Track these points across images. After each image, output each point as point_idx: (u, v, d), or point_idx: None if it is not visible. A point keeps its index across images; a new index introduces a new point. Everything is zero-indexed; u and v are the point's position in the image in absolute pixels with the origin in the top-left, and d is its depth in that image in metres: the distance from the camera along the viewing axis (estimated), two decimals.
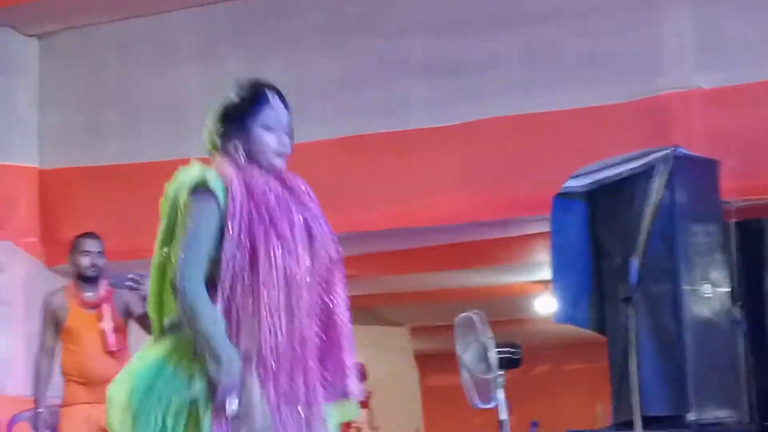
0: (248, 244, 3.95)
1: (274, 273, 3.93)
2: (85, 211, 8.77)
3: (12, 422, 8.02)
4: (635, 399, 6.85)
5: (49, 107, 9.43)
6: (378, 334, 11.73)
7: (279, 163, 4.16)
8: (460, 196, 8.26)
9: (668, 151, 7.13)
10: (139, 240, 8.26)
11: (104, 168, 9.07)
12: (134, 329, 7.39)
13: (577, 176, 7.42)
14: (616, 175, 7.28)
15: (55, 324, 7.27)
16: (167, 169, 8.80)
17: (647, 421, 6.86)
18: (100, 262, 7.31)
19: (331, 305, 4.16)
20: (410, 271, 10.28)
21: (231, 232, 3.92)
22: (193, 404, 3.95)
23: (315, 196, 4.22)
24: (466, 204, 8.28)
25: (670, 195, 7.05)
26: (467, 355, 7.35)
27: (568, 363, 11.50)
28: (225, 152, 4.11)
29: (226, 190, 3.99)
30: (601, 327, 7.44)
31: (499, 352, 7.37)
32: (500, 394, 7.27)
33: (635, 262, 6.98)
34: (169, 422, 3.96)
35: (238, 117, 4.13)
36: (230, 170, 4.05)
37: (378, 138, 8.39)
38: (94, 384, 7.15)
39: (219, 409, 3.89)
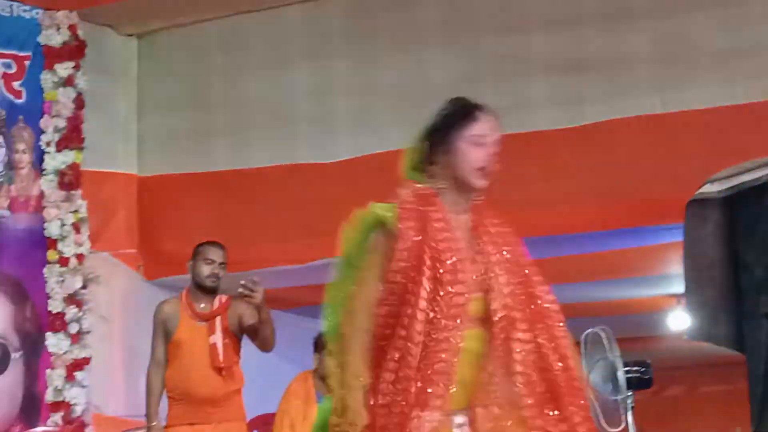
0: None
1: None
2: (188, 221, 8.71)
3: None
4: None
5: (150, 111, 9.35)
6: None
7: (480, 183, 4.16)
8: (585, 202, 8.16)
9: None
10: (247, 251, 8.36)
11: (208, 175, 8.98)
12: None
13: (713, 181, 7.14)
14: (757, 179, 6.95)
15: (165, 335, 7.21)
16: (276, 175, 8.80)
17: None
18: (222, 273, 7.26)
19: None
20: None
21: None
22: None
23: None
24: (591, 212, 8.19)
25: None
26: (593, 375, 7.28)
27: (703, 384, 11.36)
28: (425, 174, 4.16)
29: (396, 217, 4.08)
30: (740, 345, 7.09)
31: (628, 372, 7.28)
32: (629, 417, 7.18)
33: None
34: None
35: (443, 131, 4.15)
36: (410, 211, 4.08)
37: (501, 140, 8.15)
38: (198, 403, 7.21)
39: None
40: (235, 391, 7.28)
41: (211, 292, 7.25)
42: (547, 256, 9.16)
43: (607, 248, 8.94)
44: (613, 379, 7.37)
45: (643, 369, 7.45)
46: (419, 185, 4.19)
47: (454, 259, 4.04)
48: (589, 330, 7.45)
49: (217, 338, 7.15)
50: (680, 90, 7.98)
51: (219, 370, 7.12)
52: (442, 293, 4.01)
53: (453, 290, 4.03)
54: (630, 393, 7.25)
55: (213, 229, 8.20)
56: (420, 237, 4.06)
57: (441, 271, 4.00)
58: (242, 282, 6.99)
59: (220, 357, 7.12)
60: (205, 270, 7.20)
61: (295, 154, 8.70)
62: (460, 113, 4.22)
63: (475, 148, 4.17)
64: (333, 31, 8.82)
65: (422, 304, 4.01)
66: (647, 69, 8.09)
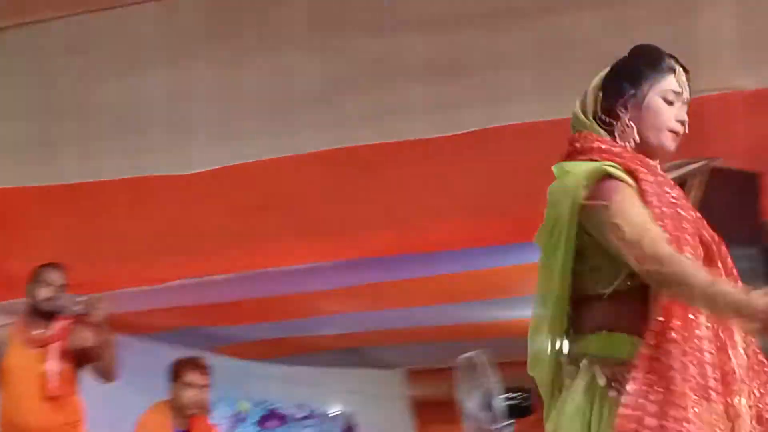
0: None
1: None
2: (33, 239, 8.60)
3: None
4: None
5: None
6: (368, 378, 11.66)
7: (672, 145, 4.00)
8: (465, 217, 8.25)
9: (704, 162, 6.53)
10: (97, 271, 8.22)
11: (55, 188, 8.72)
12: None
13: None
14: None
15: None
16: (128, 188, 8.65)
17: None
18: (61, 296, 7.17)
19: None
20: (406, 305, 10.27)
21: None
22: None
23: None
24: (471, 227, 8.38)
25: (705, 213, 6.88)
26: (470, 402, 7.32)
27: None
28: (605, 126, 3.95)
29: (635, 178, 3.83)
30: None
31: (507, 399, 7.28)
32: None
33: None
34: None
35: (631, 80, 3.96)
36: (628, 157, 3.89)
37: (373, 150, 8.15)
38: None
39: None
40: (72, 424, 7.26)
41: (48, 316, 7.16)
42: (424, 275, 9.30)
43: (489, 266, 9.00)
44: (491, 406, 7.46)
45: (524, 396, 7.53)
46: (611, 141, 3.95)
47: (688, 235, 3.85)
48: (465, 354, 7.50)
49: (51, 365, 7.05)
50: (564, 96, 7.81)
51: (51, 400, 7.06)
52: None
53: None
54: (510, 421, 7.34)
55: (60, 247, 8.13)
56: (661, 202, 3.85)
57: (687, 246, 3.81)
58: (80, 299, 6.91)
59: (53, 385, 7.06)
60: (42, 293, 7.18)
61: (149, 166, 8.48)
62: (653, 62, 4.02)
63: (670, 105, 3.98)
64: (191, 32, 8.58)
65: None
66: (530, 73, 7.91)
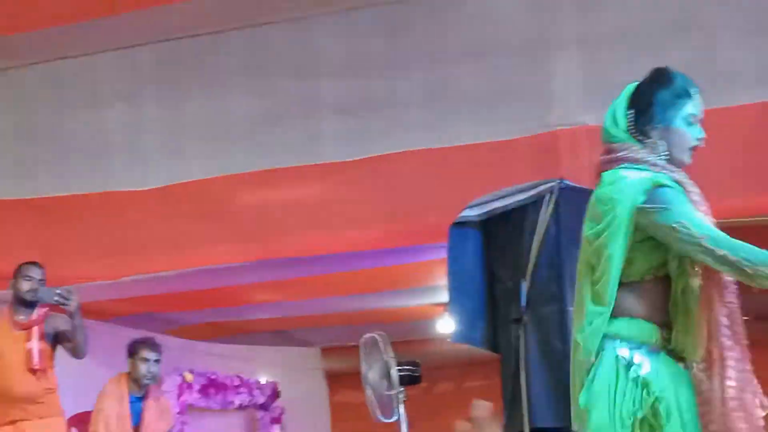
0: None
1: None
2: (14, 243, 8.53)
3: None
4: (525, 412, 6.85)
5: None
6: (291, 355, 11.73)
7: (690, 160, 3.94)
8: (369, 225, 8.20)
9: (555, 183, 7.05)
10: (67, 268, 8.18)
11: (32, 200, 8.77)
12: None
13: (471, 206, 7.35)
14: (507, 205, 7.22)
15: None
16: (93, 201, 8.67)
17: None
18: (40, 288, 7.24)
19: None
20: (323, 295, 10.22)
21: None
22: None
23: None
24: (374, 232, 8.26)
25: (556, 224, 6.98)
26: (371, 373, 7.17)
27: (467, 380, 11.47)
28: (640, 141, 3.88)
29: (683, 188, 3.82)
30: (494, 346, 7.38)
31: (401, 370, 7.32)
32: (401, 409, 7.29)
33: (524, 286, 6.98)
34: None
35: (658, 106, 3.89)
36: (672, 170, 3.85)
37: (295, 171, 8.20)
38: (17, 401, 7.19)
39: None
40: (49, 390, 7.28)
41: (30, 305, 7.28)
42: (337, 271, 9.43)
43: (385, 264, 9.06)
44: (388, 376, 7.50)
45: (414, 368, 7.55)
46: (652, 153, 3.90)
47: None
48: (367, 335, 7.59)
49: (33, 344, 7.17)
50: (448, 128, 7.96)
51: (34, 372, 7.17)
52: None
53: None
54: (402, 389, 7.38)
55: (35, 250, 8.06)
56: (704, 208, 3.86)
57: None
58: (57, 291, 7.01)
59: (35, 360, 7.16)
60: (25, 286, 7.26)
61: (111, 183, 8.55)
62: (677, 90, 3.95)
63: (690, 127, 3.93)
64: (144, 76, 8.65)
65: None
66: (420, 109, 8.06)
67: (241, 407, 11.00)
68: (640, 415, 3.78)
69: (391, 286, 10.11)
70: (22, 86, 8.94)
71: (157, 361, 8.15)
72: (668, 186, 3.74)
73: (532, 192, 7.16)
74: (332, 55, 8.32)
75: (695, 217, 3.70)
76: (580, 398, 3.94)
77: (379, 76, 8.18)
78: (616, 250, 3.75)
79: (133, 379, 8.04)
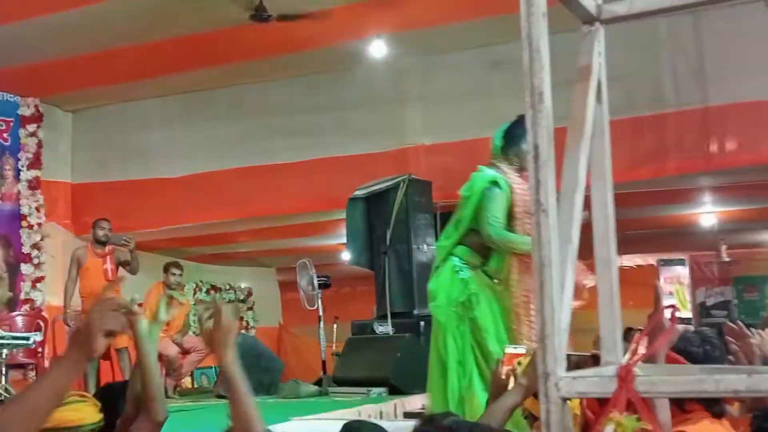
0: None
1: None
2: (97, 207, 8.44)
3: (54, 320, 7.93)
4: (387, 303, 7.15)
5: (79, 149, 9.08)
6: (258, 272, 11.67)
7: None
8: (308, 197, 8.11)
9: (407, 176, 7.43)
10: (131, 222, 8.25)
11: (109, 183, 8.86)
12: None
13: (360, 189, 7.61)
14: (380, 188, 7.54)
15: (78, 264, 7.19)
16: (143, 184, 8.40)
17: (393, 315, 7.10)
18: (109, 233, 7.27)
19: None
20: (278, 237, 10.03)
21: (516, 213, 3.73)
22: None
23: None
24: (310, 201, 8.16)
25: (406, 198, 7.32)
26: (303, 282, 7.57)
27: (358, 286, 11.36)
28: (506, 159, 3.83)
29: (510, 187, 3.76)
30: (372, 267, 7.61)
31: (319, 280, 7.59)
32: (319, 302, 7.50)
33: (389, 233, 7.26)
34: None
35: (521, 138, 3.76)
36: (511, 175, 3.80)
37: (260, 168, 8.22)
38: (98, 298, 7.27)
39: None
40: (117, 291, 7.21)
41: (103, 243, 7.30)
42: (285, 224, 9.04)
43: (315, 220, 8.84)
44: (312, 283, 7.73)
45: (327, 278, 7.76)
46: (507, 165, 3.84)
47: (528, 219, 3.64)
48: (301, 260, 7.66)
49: (108, 266, 7.26)
50: (348, 148, 7.92)
51: (109, 281, 7.03)
52: None
53: None
54: (319, 291, 7.47)
55: (109, 212, 7.76)
56: (518, 193, 3.76)
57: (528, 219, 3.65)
58: (123, 238, 7.15)
59: (109, 274, 7.22)
60: (100, 232, 7.28)
61: (152, 173, 8.61)
62: (524, 130, 3.92)
63: None
64: (175, 116, 8.55)
65: None
66: (331, 136, 7.99)
67: (230, 301, 10.31)
68: (461, 300, 3.76)
69: (315, 233, 9.70)
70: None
71: (180, 275, 8.01)
72: (497, 184, 3.75)
73: (394, 181, 7.44)
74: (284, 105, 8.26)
75: (494, 208, 3.72)
76: (430, 284, 3.91)
77: (302, 119, 8.15)
78: (468, 211, 3.80)
79: (166, 284, 7.93)
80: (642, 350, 1.36)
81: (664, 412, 1.76)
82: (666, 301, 1.66)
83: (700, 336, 2.16)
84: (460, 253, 3.84)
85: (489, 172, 3.81)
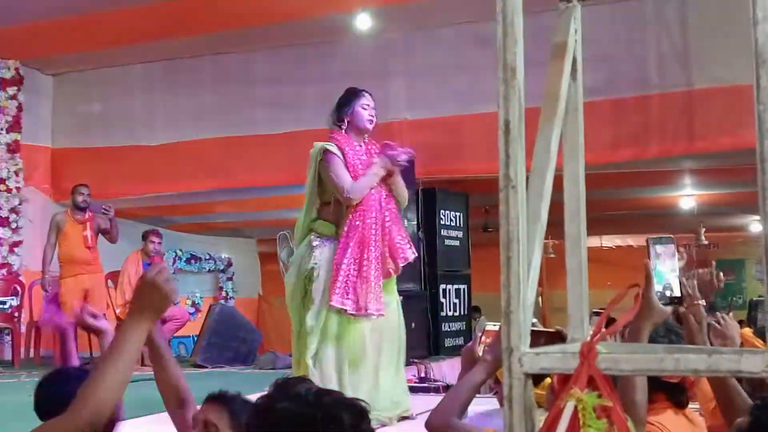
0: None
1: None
2: (76, 172, 8.35)
3: (31, 285, 7.95)
4: None
5: (60, 112, 9.01)
6: (238, 242, 11.63)
7: (370, 128, 4.11)
8: (290, 169, 7.83)
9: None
10: (110, 188, 8.22)
11: (90, 149, 8.78)
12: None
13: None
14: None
15: (57, 230, 7.18)
16: (124, 151, 8.41)
17: None
18: (88, 199, 7.24)
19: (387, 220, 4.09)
20: (254, 209, 10.04)
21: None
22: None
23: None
24: (291, 173, 7.74)
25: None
26: (283, 253, 7.43)
27: None
28: (338, 124, 4.07)
29: (342, 151, 3.97)
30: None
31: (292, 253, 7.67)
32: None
33: None
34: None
35: (348, 103, 4.09)
36: (342, 140, 4.01)
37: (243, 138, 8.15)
38: (77, 263, 7.21)
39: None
40: (95, 258, 7.32)
41: (82, 210, 7.28)
42: (265, 196, 9.03)
43: (291, 193, 8.16)
44: (291, 254, 7.69)
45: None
46: (338, 131, 4.06)
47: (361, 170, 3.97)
48: (281, 232, 7.77)
49: (87, 232, 7.24)
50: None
51: (88, 248, 7.22)
52: None
53: None
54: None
55: (89, 178, 7.72)
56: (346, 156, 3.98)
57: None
58: (103, 206, 7.13)
59: (89, 241, 7.22)
60: (79, 198, 7.26)
61: (132, 139, 8.55)
62: (356, 93, 4.12)
63: (365, 110, 4.08)
64: (156, 84, 8.49)
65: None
66: (316, 109, 7.33)
67: (209, 271, 10.79)
68: (306, 273, 3.97)
69: (297, 205, 8.79)
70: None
71: (159, 243, 8.04)
72: (332, 149, 3.98)
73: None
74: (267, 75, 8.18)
75: (336, 167, 3.94)
76: (290, 260, 4.20)
77: (286, 90, 8.02)
78: (311, 187, 4.04)
79: (145, 253, 7.96)
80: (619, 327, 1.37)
81: (641, 392, 1.78)
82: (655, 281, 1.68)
83: (666, 326, 2.16)
84: (316, 227, 4.04)
85: (319, 144, 4.02)
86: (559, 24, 1.60)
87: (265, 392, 1.48)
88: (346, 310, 3.86)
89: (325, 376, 3.82)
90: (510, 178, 1.34)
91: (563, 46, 1.57)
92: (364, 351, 3.92)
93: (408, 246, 4.15)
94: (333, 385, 3.75)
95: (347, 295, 3.90)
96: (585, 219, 1.58)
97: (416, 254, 4.26)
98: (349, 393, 3.21)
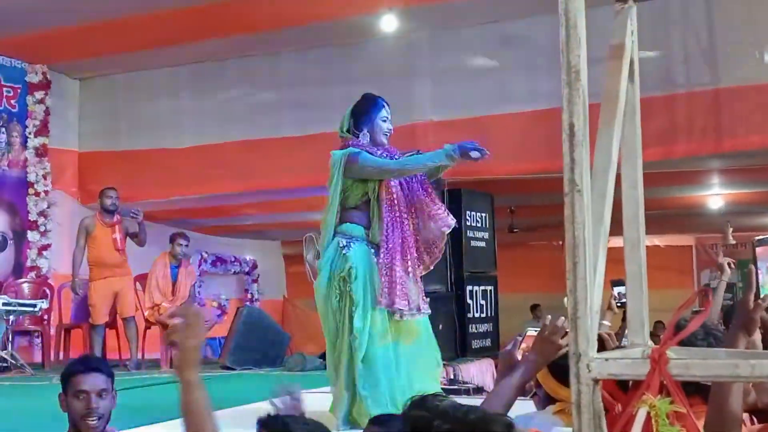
0: None
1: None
2: (103, 176, 8.47)
3: (60, 288, 7.98)
4: None
5: (87, 117, 9.06)
6: (264, 244, 11.66)
7: (386, 141, 4.09)
8: (316, 171, 7.64)
9: (415, 152, 6.95)
10: (138, 192, 8.30)
11: (117, 152, 8.83)
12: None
13: None
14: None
15: (86, 233, 7.23)
16: (152, 154, 8.48)
17: None
18: (117, 202, 7.30)
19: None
20: (282, 211, 10.02)
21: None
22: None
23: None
24: (317, 175, 7.81)
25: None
26: (309, 256, 7.21)
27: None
28: (357, 138, 4.01)
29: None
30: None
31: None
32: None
33: None
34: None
35: (367, 114, 4.06)
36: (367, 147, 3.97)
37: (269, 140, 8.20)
38: (107, 267, 7.28)
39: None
40: (124, 261, 7.40)
41: (111, 213, 7.33)
42: (288, 198, 8.94)
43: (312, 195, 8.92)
44: (318, 256, 7.50)
45: None
46: (354, 140, 4.02)
47: None
48: (307, 234, 7.71)
49: (116, 235, 7.30)
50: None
51: (117, 250, 7.28)
52: None
53: None
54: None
55: (117, 182, 7.85)
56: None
57: None
58: (132, 210, 7.19)
59: (118, 244, 7.28)
60: (107, 201, 7.32)
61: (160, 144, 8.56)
62: (375, 103, 4.06)
63: (384, 122, 4.05)
64: (194, 84, 8.49)
65: None
66: (336, 110, 7.49)
67: (234, 273, 10.84)
68: (341, 274, 3.89)
69: (322, 207, 9.10)
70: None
71: (186, 245, 8.07)
72: (356, 150, 3.92)
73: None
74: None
75: (370, 157, 3.91)
76: (318, 263, 4.10)
77: (312, 92, 8.00)
78: (336, 190, 3.96)
79: (172, 255, 7.99)
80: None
81: (736, 402, 1.68)
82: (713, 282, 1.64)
83: (704, 329, 2.10)
84: (344, 229, 3.97)
85: (338, 152, 3.96)
86: (615, 25, 1.60)
87: (407, 409, 1.48)
88: (401, 311, 3.83)
89: (374, 377, 3.78)
90: (576, 183, 1.32)
91: (621, 47, 1.56)
92: (419, 350, 3.91)
93: (446, 213, 4.16)
94: (383, 387, 3.75)
95: (400, 295, 3.86)
96: (644, 223, 1.58)
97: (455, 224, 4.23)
98: (404, 394, 3.30)
